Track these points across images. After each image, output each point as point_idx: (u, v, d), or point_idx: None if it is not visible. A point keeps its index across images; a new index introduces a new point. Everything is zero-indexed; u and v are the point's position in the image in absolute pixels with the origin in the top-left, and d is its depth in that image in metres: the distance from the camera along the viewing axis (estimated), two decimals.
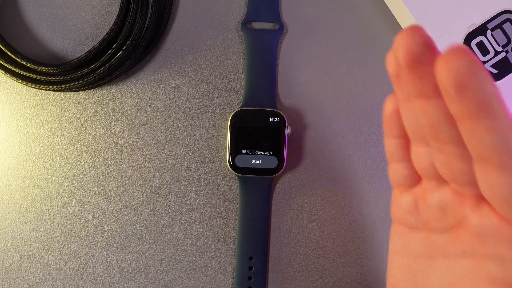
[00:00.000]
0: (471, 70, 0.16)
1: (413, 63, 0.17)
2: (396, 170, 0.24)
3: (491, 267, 0.20)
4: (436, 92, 0.18)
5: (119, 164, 0.32)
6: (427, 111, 0.19)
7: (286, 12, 0.33)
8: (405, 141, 0.23)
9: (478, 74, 0.16)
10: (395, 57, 0.18)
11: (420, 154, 0.22)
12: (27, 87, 0.32)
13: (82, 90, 0.32)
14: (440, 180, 0.22)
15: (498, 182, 0.18)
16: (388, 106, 0.23)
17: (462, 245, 0.22)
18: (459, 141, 0.19)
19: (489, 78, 0.16)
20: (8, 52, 0.31)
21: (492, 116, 0.16)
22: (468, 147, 0.18)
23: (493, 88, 0.16)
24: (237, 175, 0.31)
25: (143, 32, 0.31)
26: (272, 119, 0.31)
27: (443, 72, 0.16)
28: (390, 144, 0.24)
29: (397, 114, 0.22)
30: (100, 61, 0.31)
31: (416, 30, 0.17)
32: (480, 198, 0.21)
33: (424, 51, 0.17)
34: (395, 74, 0.20)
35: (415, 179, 0.24)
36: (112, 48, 0.31)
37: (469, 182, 0.21)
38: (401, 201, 0.24)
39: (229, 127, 0.31)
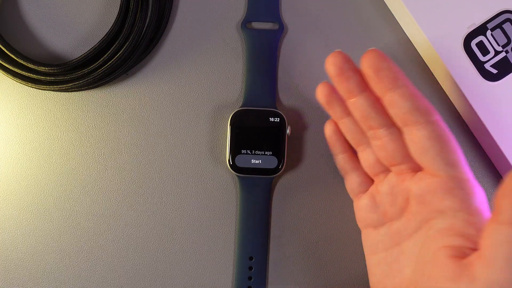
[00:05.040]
0: (380, 59, 0.24)
1: (340, 71, 0.25)
2: (350, 179, 0.29)
3: (437, 223, 0.24)
4: (360, 88, 0.25)
5: (119, 164, 0.32)
6: (358, 105, 0.25)
7: (286, 12, 0.33)
8: (350, 153, 0.29)
9: (385, 60, 0.24)
10: (329, 73, 0.26)
11: (364, 156, 0.28)
12: (27, 87, 0.32)
13: (82, 90, 0.32)
14: (386, 171, 0.27)
15: (417, 137, 0.24)
16: (328, 129, 0.29)
17: (415, 218, 0.25)
18: (387, 124, 0.25)
19: (393, 63, 0.24)
20: (8, 52, 0.31)
21: (401, 85, 0.24)
22: (394, 119, 0.25)
23: (397, 68, 0.24)
24: (237, 175, 0.31)
25: (143, 32, 0.31)
26: (272, 119, 0.31)
27: (365, 64, 0.24)
28: (340, 160, 0.29)
29: (337, 132, 0.29)
30: (100, 61, 0.31)
31: (336, 52, 0.25)
32: (415, 170, 0.26)
33: (345, 62, 0.25)
34: (327, 102, 0.27)
35: (368, 183, 0.28)
36: (112, 48, 0.31)
37: (403, 158, 0.26)
38: (360, 204, 0.28)
39: (229, 127, 0.31)
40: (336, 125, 0.29)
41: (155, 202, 0.32)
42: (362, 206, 0.28)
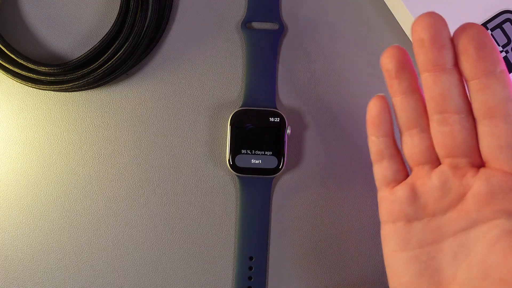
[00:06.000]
0: (485, 35, 0.20)
1: (435, 36, 0.21)
2: (386, 167, 0.26)
3: (503, 223, 0.22)
4: (453, 61, 0.22)
5: (118, 164, 0.32)
6: (440, 82, 0.22)
7: (286, 12, 0.33)
8: (391, 138, 0.26)
9: (490, 38, 0.20)
10: (415, 34, 0.22)
11: (413, 142, 0.25)
12: (27, 87, 0.32)
13: (82, 90, 0.32)
14: (434, 163, 0.24)
15: (504, 133, 0.21)
16: (376, 106, 0.25)
17: (468, 215, 0.23)
18: (463, 110, 0.23)
19: (496, 44, 0.21)
20: (8, 52, 0.31)
21: (502, 71, 0.21)
22: (476, 107, 0.22)
23: (499, 51, 0.21)
24: (237, 175, 0.31)
25: (143, 32, 0.31)
26: (272, 119, 0.31)
27: (466, 38, 0.21)
28: (379, 143, 0.26)
29: (385, 112, 0.25)
30: (100, 61, 0.31)
31: (433, 14, 0.21)
32: (478, 166, 0.23)
33: (443, 27, 0.21)
34: (397, 69, 0.23)
35: (404, 172, 0.25)
36: (112, 48, 0.31)
37: (467, 151, 0.23)
38: (395, 196, 0.25)
39: (229, 127, 0.31)
40: (386, 102, 0.25)
41: (155, 202, 0.32)
42: (398, 197, 0.25)
